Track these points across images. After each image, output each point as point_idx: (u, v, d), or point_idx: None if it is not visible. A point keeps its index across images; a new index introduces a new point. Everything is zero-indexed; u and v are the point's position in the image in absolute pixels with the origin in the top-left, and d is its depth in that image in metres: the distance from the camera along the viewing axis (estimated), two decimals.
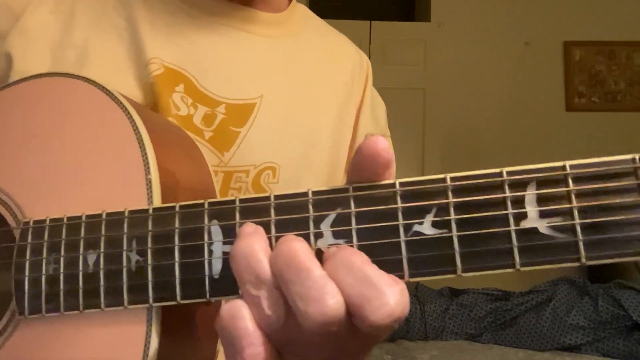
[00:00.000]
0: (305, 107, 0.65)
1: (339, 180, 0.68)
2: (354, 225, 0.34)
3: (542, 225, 0.31)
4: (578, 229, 0.31)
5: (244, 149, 0.59)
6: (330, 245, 0.34)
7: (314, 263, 0.32)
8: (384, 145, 0.33)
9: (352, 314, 0.31)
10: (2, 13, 0.56)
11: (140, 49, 0.57)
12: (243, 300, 0.33)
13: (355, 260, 0.32)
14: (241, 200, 0.36)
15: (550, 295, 2.47)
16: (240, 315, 0.33)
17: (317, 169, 0.64)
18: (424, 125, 3.68)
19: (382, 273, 0.32)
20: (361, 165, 0.34)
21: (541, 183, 0.32)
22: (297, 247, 0.32)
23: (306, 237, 0.34)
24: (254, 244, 0.33)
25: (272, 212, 0.35)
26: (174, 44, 0.59)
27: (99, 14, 0.58)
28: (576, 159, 0.32)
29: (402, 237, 0.33)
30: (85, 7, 0.58)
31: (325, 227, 0.34)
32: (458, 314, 2.56)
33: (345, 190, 0.34)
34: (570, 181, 0.31)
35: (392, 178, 0.35)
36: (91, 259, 0.39)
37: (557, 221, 0.31)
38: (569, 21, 3.82)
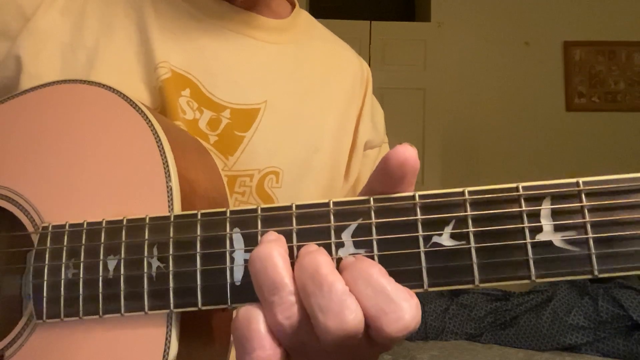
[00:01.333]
0: (307, 112, 0.66)
1: (338, 185, 0.68)
2: (374, 236, 0.35)
3: (557, 239, 0.33)
4: (591, 242, 0.32)
5: (248, 153, 0.60)
6: (352, 255, 0.35)
7: (336, 277, 0.33)
8: (412, 152, 0.34)
9: (368, 326, 0.32)
10: (14, 14, 0.56)
11: (149, 52, 0.58)
12: (257, 306, 0.34)
13: (374, 272, 0.33)
14: (263, 209, 0.37)
15: (550, 295, 2.47)
16: (255, 318, 0.34)
17: (318, 174, 0.65)
18: (424, 125, 3.68)
19: (398, 286, 0.33)
20: (388, 172, 0.35)
21: (556, 198, 0.33)
22: (321, 260, 0.33)
23: (327, 247, 0.35)
24: (272, 250, 0.34)
25: (294, 221, 0.36)
26: (181, 48, 0.59)
27: (109, 16, 0.59)
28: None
29: (422, 248, 0.34)
30: (95, 9, 0.59)
31: (347, 236, 0.35)
32: (458, 314, 2.56)
33: (366, 201, 0.35)
34: (583, 197, 0.33)
35: (413, 186, 0.36)
36: (111, 264, 0.40)
37: (571, 235, 0.33)
38: (569, 21, 3.82)
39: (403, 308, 0.31)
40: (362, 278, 0.32)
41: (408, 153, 0.34)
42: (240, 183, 0.59)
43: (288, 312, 0.33)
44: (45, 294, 0.41)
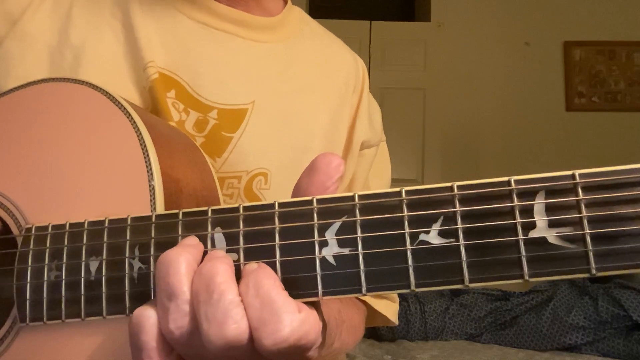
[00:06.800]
0: (297, 112, 0.65)
1: None
2: (359, 234, 0.33)
3: (551, 235, 0.31)
4: (588, 239, 0.30)
5: (236, 154, 0.59)
6: (336, 254, 0.34)
7: (229, 286, 0.32)
8: (339, 158, 0.36)
9: (252, 337, 0.32)
10: (1, 20, 0.56)
11: (137, 52, 0.57)
12: (153, 309, 0.34)
13: (265, 284, 0.32)
14: (245, 208, 0.36)
15: (550, 295, 2.46)
16: (144, 327, 0.33)
17: None
18: (424, 125, 3.67)
19: (289, 300, 0.32)
20: (313, 165, 0.36)
21: (550, 192, 0.31)
22: (219, 268, 0.33)
23: (311, 246, 0.34)
24: (180, 255, 0.33)
25: (277, 220, 0.35)
26: (167, 48, 0.59)
27: (96, 16, 0.58)
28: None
29: (408, 246, 0.33)
30: (81, 9, 0.58)
31: (330, 235, 0.34)
32: (458, 314, 2.55)
33: (350, 198, 0.34)
34: (580, 190, 0.31)
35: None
36: (93, 266, 0.39)
37: (567, 231, 0.31)
38: (569, 21, 3.81)
39: (283, 320, 0.31)
40: (254, 288, 0.32)
41: (336, 156, 0.36)
42: (228, 185, 0.58)
43: (180, 322, 0.33)
44: (28, 297, 0.41)
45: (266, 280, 0.32)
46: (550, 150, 3.66)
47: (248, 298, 0.32)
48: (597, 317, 2.30)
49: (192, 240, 0.35)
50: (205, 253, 0.36)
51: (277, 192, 0.60)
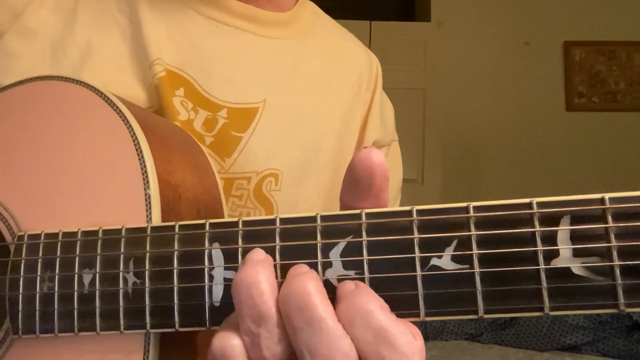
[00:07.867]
0: (309, 111, 0.63)
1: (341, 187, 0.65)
2: (365, 256, 0.31)
3: (576, 266, 0.28)
4: (617, 271, 0.27)
5: (246, 154, 0.57)
6: (341, 277, 0.31)
7: (328, 311, 0.29)
8: (378, 155, 0.31)
9: None
10: (2, 11, 0.54)
11: (144, 49, 0.55)
12: (238, 336, 0.31)
13: (375, 310, 0.29)
14: (244, 223, 0.34)
15: None
16: (231, 356, 0.30)
17: (320, 175, 0.62)
18: (424, 125, 3.66)
19: (400, 326, 0.29)
20: (355, 180, 0.32)
21: (576, 218, 0.28)
22: (310, 288, 0.29)
23: (314, 267, 0.32)
24: (258, 274, 0.30)
25: (277, 238, 0.33)
26: (176, 45, 0.57)
27: (102, 12, 0.56)
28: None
29: (419, 271, 0.30)
30: (87, 5, 0.56)
31: (335, 256, 0.32)
32: None
33: (357, 216, 0.32)
34: (609, 217, 0.28)
35: (386, 194, 0.33)
36: (87, 278, 0.37)
37: (593, 262, 0.28)
38: (569, 21, 3.81)
39: (407, 355, 0.28)
40: (361, 317, 0.28)
41: (374, 156, 0.31)
42: (237, 186, 0.56)
43: (274, 349, 0.30)
44: (20, 308, 0.39)
45: (371, 304, 0.29)
46: (550, 150, 3.66)
47: (356, 329, 0.28)
48: (597, 317, 2.30)
49: (261, 254, 0.32)
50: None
51: (288, 193, 0.58)
